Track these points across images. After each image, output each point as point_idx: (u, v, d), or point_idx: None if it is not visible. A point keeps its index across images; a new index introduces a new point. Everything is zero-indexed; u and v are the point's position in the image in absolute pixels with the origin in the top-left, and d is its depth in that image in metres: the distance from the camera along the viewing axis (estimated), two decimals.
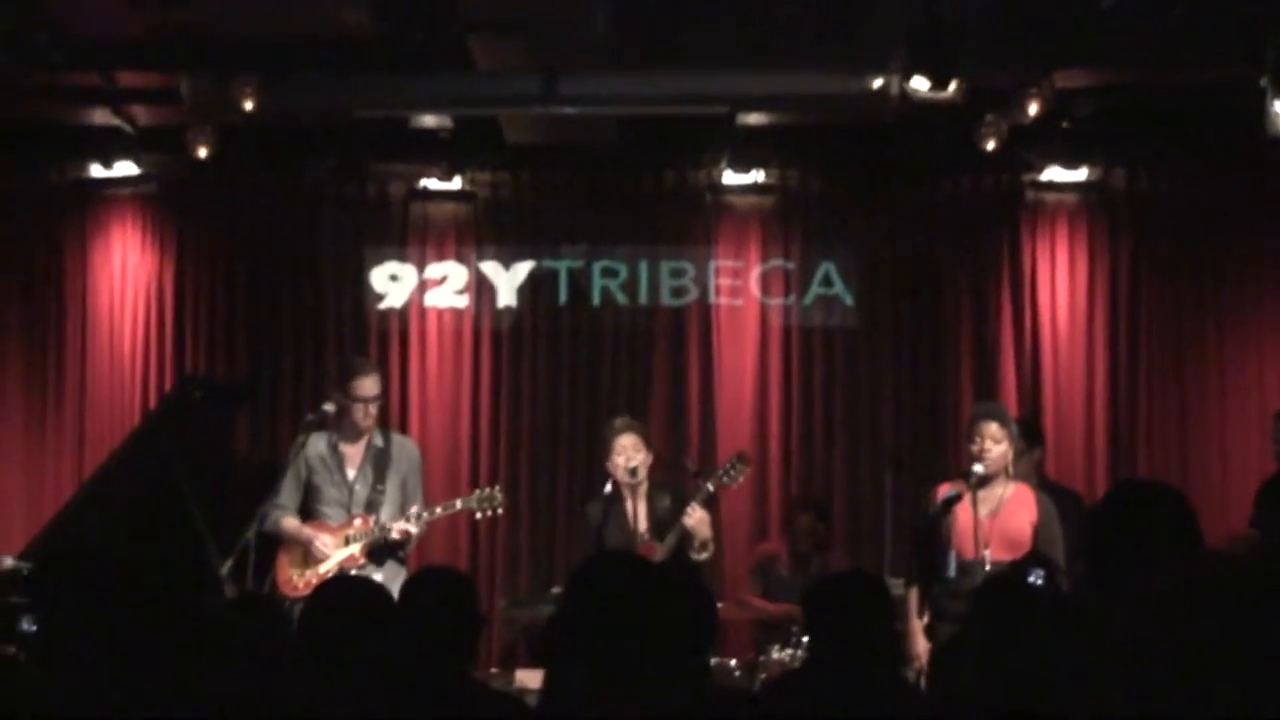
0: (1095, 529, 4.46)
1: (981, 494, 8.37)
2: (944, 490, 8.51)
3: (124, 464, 9.58)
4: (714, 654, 8.36)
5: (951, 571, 8.29)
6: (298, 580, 9.24)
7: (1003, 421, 8.51)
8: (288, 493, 9.42)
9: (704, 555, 9.06)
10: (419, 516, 9.38)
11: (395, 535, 9.30)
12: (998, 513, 8.35)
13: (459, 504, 9.63)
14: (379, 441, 9.51)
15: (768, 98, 10.31)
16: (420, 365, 11.68)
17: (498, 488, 9.65)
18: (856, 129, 11.04)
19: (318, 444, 9.45)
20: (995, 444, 8.38)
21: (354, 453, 9.48)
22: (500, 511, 9.70)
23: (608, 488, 9.40)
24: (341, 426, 9.49)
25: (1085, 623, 4.23)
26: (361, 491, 9.42)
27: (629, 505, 9.22)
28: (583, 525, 9.62)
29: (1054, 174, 11.47)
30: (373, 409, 9.50)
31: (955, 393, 11.57)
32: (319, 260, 11.82)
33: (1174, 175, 11.52)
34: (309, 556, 9.32)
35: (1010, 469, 8.52)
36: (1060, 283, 11.61)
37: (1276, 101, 9.28)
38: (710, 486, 9.18)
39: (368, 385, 9.49)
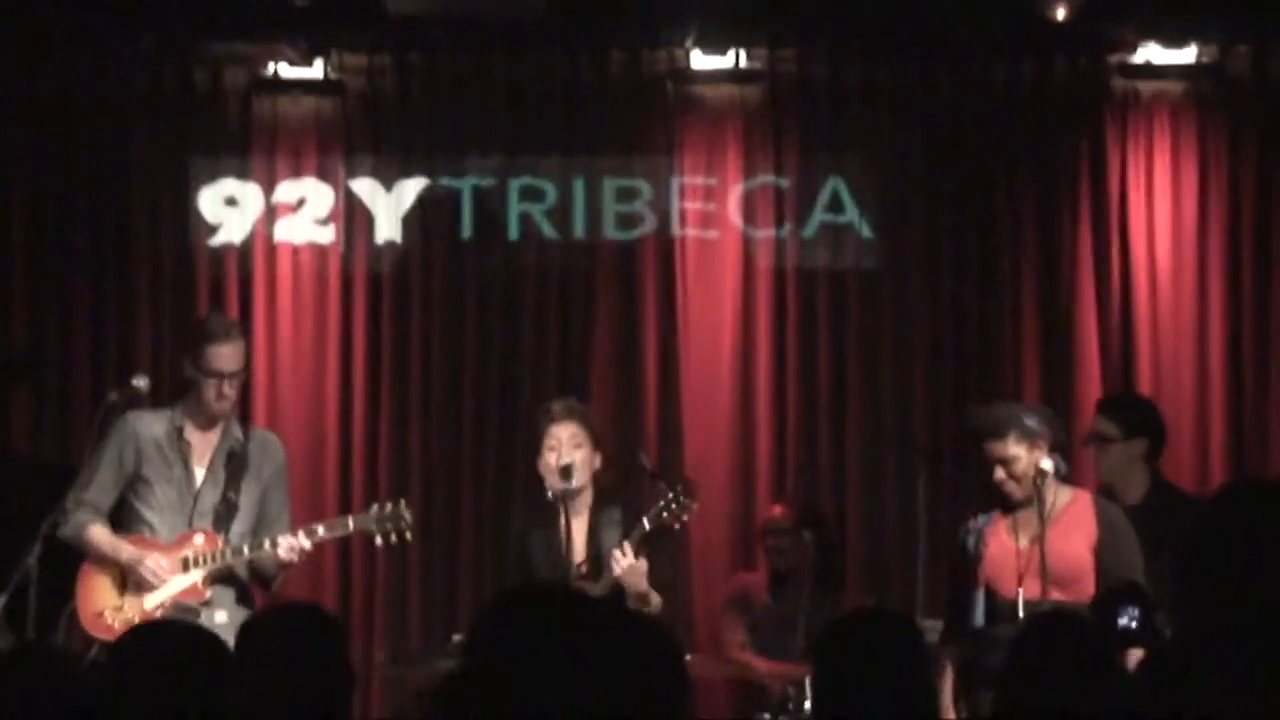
0: (1195, 546, 3.75)
1: (1022, 515, 7.77)
2: (974, 523, 8.01)
3: None
4: None
5: (979, 618, 7.72)
6: (112, 618, 8.18)
7: (1011, 430, 7.77)
8: (99, 485, 8.36)
9: (645, 610, 8.24)
10: (313, 533, 8.42)
11: (283, 555, 8.32)
12: (1041, 536, 7.71)
13: (351, 523, 8.68)
14: (237, 434, 8.51)
15: None
16: (268, 323, 10.40)
17: (404, 503, 8.61)
18: None
19: (153, 425, 8.45)
20: (1013, 464, 7.71)
21: (203, 445, 8.45)
22: (408, 536, 8.65)
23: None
24: (190, 408, 8.52)
25: (1189, 682, 3.69)
26: (209, 498, 8.38)
27: (564, 524, 8.33)
28: (503, 547, 8.92)
29: (1151, 54, 10.29)
30: (229, 388, 8.49)
31: (1015, 360, 10.36)
32: (127, 178, 10.46)
33: None
34: (130, 583, 8.28)
35: (1045, 479, 7.79)
36: (1160, 206, 10.34)
37: None
38: (647, 525, 8.36)
39: (225, 355, 8.45)
